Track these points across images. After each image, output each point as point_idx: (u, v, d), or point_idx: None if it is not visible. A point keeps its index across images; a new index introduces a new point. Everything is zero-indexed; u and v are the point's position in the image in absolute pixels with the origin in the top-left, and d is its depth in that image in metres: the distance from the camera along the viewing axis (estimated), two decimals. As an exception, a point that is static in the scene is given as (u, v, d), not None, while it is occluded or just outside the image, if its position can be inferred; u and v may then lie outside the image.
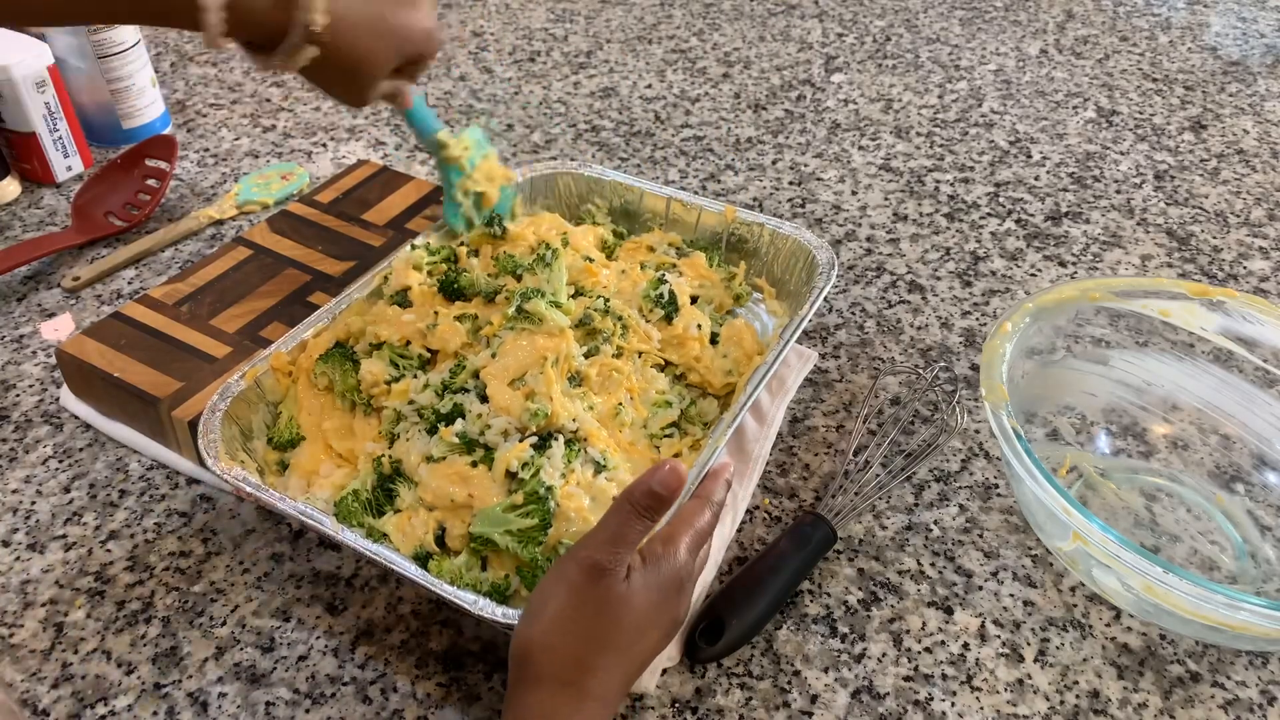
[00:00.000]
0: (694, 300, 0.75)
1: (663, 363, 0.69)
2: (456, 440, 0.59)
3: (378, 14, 0.56)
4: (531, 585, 0.55)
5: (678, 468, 0.48)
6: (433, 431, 0.61)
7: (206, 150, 1.05)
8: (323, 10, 0.52)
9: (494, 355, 0.63)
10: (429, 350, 0.67)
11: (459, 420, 0.60)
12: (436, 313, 0.67)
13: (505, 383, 0.62)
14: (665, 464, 0.48)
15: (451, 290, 0.69)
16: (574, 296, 0.69)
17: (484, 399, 0.61)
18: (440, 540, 0.58)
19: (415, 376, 0.65)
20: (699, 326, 0.70)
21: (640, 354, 0.68)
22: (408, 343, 0.66)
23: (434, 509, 0.59)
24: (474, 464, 0.59)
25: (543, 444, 0.59)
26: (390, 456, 0.61)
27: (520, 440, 0.59)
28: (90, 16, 0.54)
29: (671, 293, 0.71)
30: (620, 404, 0.64)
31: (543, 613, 0.48)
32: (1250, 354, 0.70)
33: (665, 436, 0.65)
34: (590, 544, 0.48)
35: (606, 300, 0.68)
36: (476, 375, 0.63)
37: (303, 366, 0.66)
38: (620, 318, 0.67)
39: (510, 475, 0.58)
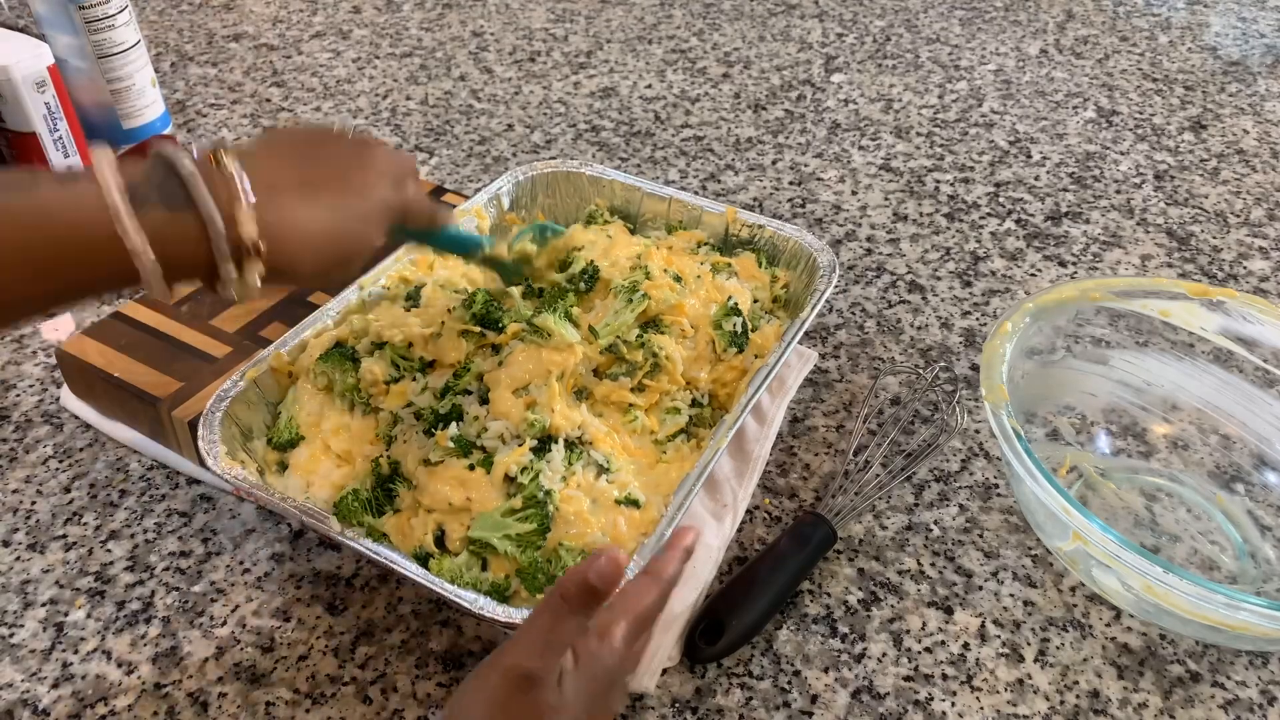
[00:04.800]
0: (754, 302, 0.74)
1: (690, 400, 0.67)
2: (452, 445, 0.59)
3: (324, 209, 0.49)
4: (532, 586, 0.55)
5: (616, 558, 0.43)
6: (430, 434, 0.61)
7: (206, 150, 1.04)
8: (253, 226, 0.45)
9: (500, 363, 0.63)
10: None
11: (455, 424, 0.60)
12: (444, 322, 0.67)
13: (509, 390, 0.61)
14: (602, 553, 0.43)
15: (490, 324, 0.66)
16: (650, 327, 0.67)
17: (484, 402, 0.61)
18: (440, 541, 0.58)
19: (415, 379, 0.64)
20: (755, 356, 0.69)
21: (662, 394, 0.66)
22: (410, 344, 0.66)
23: (432, 511, 0.59)
24: (471, 467, 0.59)
25: (542, 447, 0.59)
26: (388, 457, 0.61)
27: (519, 445, 0.59)
28: (38, 306, 0.47)
29: (744, 324, 0.69)
30: (633, 406, 0.64)
31: None
32: (1250, 354, 0.70)
33: (669, 440, 0.65)
34: (517, 650, 0.43)
35: (642, 334, 0.66)
36: (480, 379, 0.63)
37: (303, 366, 0.66)
38: (656, 354, 0.65)
39: (509, 479, 0.58)
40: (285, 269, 0.48)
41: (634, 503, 0.58)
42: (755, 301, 0.74)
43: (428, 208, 0.59)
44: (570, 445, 0.60)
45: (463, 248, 0.67)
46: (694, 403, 0.67)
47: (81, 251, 0.43)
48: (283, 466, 0.63)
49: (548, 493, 0.56)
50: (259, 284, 0.47)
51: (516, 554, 0.55)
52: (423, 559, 0.57)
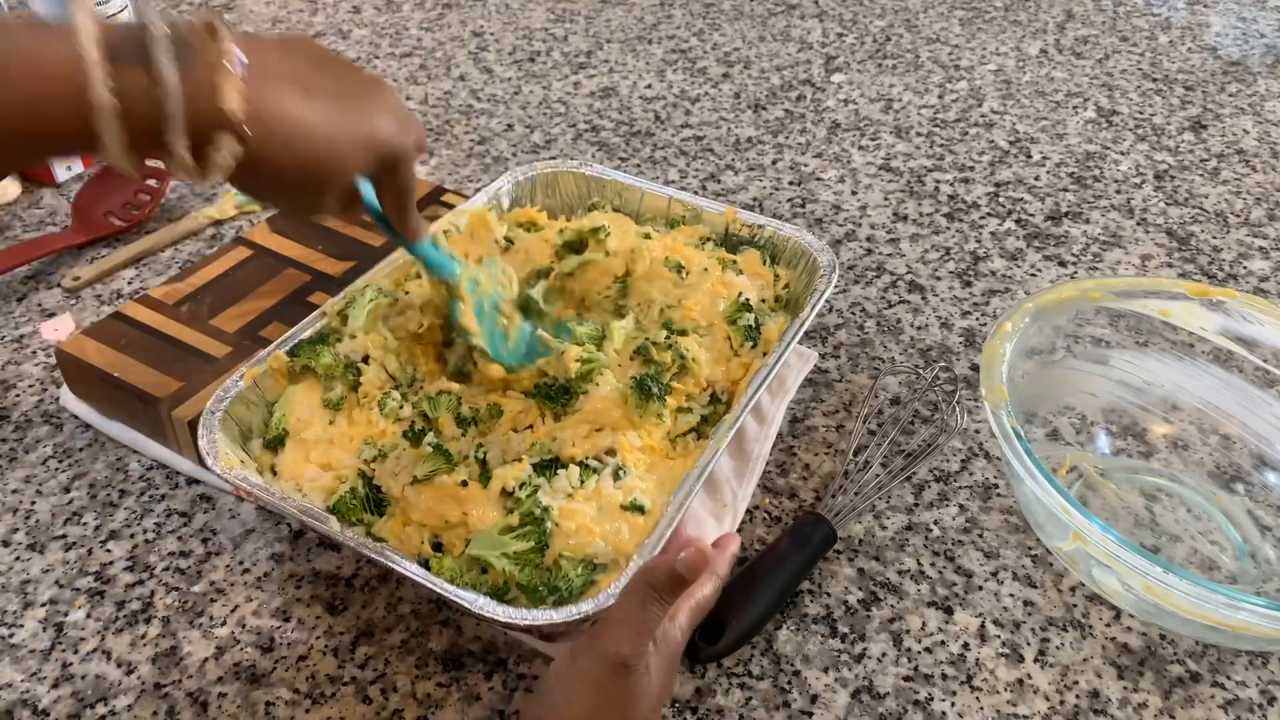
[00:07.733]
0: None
1: (709, 398, 0.67)
2: (438, 460, 0.59)
3: (318, 111, 0.45)
4: (534, 599, 0.54)
5: (702, 548, 0.45)
6: (420, 437, 0.60)
7: (206, 150, 1.04)
8: (237, 98, 0.42)
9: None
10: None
11: (432, 433, 0.61)
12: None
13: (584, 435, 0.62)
14: (688, 543, 0.46)
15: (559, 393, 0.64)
16: (673, 330, 0.67)
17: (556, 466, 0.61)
18: (437, 547, 0.58)
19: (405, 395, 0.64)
20: (764, 353, 0.69)
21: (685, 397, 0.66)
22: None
23: (425, 525, 0.58)
24: (464, 483, 0.58)
25: (548, 467, 0.59)
26: (370, 477, 0.61)
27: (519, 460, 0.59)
28: None
29: (758, 320, 0.69)
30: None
31: (564, 710, 0.47)
32: (1250, 354, 0.70)
33: (680, 436, 0.65)
34: (613, 637, 0.46)
35: (669, 335, 0.66)
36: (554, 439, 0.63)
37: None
38: (683, 356, 0.65)
39: (506, 493, 0.58)
40: (260, 158, 0.44)
41: (639, 508, 0.58)
42: (762, 301, 0.74)
43: (408, 174, 0.55)
44: (584, 463, 0.60)
45: (435, 267, 0.64)
46: (713, 398, 0.67)
47: (41, 101, 0.39)
48: (274, 471, 0.63)
49: (545, 509, 0.56)
50: (228, 165, 0.43)
51: (515, 572, 0.55)
52: (422, 563, 0.57)
